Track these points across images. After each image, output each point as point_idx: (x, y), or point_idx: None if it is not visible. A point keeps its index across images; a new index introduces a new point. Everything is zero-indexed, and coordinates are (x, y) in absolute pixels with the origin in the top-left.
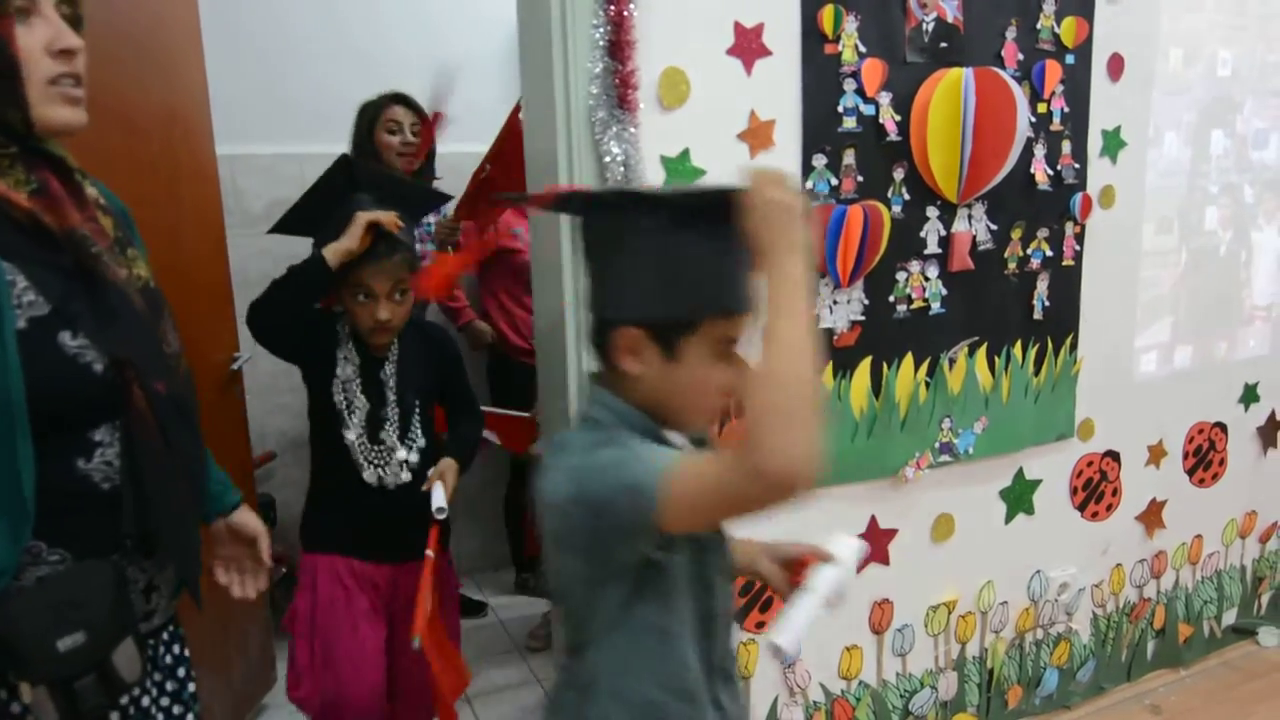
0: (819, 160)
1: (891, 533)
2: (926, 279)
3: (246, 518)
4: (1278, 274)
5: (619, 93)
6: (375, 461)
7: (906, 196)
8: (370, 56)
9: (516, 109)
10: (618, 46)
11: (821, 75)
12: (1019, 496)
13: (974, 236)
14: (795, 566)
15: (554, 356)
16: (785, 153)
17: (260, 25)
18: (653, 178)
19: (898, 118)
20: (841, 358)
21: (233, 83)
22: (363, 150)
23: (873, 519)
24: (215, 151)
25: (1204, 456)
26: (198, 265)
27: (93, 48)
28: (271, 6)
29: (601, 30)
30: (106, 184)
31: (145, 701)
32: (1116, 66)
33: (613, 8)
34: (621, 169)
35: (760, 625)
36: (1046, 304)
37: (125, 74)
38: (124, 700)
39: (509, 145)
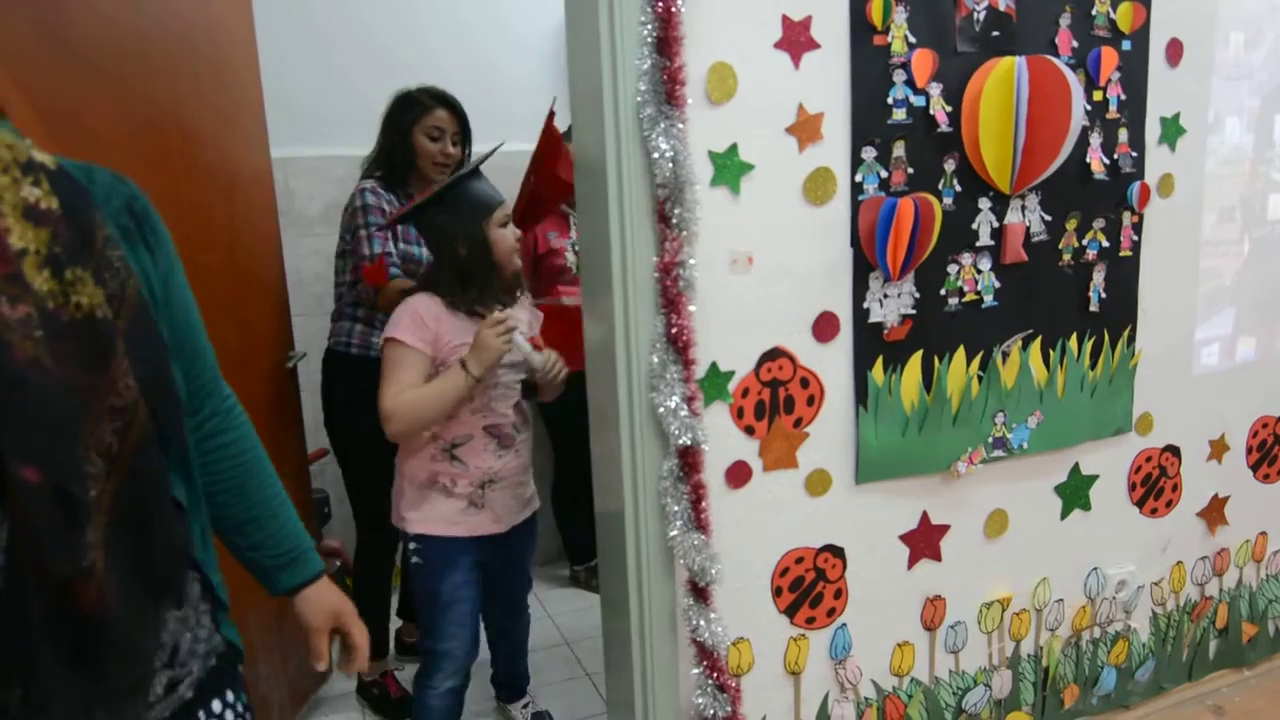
0: (868, 153)
1: (944, 528)
2: (979, 271)
3: (308, 609)
4: None
5: (667, 88)
6: None
7: (958, 188)
8: (416, 56)
9: (550, 116)
10: (666, 42)
11: (871, 67)
12: (1075, 492)
13: (1027, 228)
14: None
15: (604, 373)
16: (834, 145)
17: (309, 26)
18: (701, 172)
19: (949, 108)
20: (892, 351)
21: (283, 84)
22: (394, 150)
23: (924, 514)
24: (270, 155)
25: (1268, 451)
26: (254, 268)
27: (150, 53)
28: (321, 7)
29: (650, 26)
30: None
31: None
32: (1175, 52)
33: (660, 4)
34: (670, 165)
35: (810, 621)
36: (1103, 296)
37: (182, 79)
38: None
39: (547, 153)
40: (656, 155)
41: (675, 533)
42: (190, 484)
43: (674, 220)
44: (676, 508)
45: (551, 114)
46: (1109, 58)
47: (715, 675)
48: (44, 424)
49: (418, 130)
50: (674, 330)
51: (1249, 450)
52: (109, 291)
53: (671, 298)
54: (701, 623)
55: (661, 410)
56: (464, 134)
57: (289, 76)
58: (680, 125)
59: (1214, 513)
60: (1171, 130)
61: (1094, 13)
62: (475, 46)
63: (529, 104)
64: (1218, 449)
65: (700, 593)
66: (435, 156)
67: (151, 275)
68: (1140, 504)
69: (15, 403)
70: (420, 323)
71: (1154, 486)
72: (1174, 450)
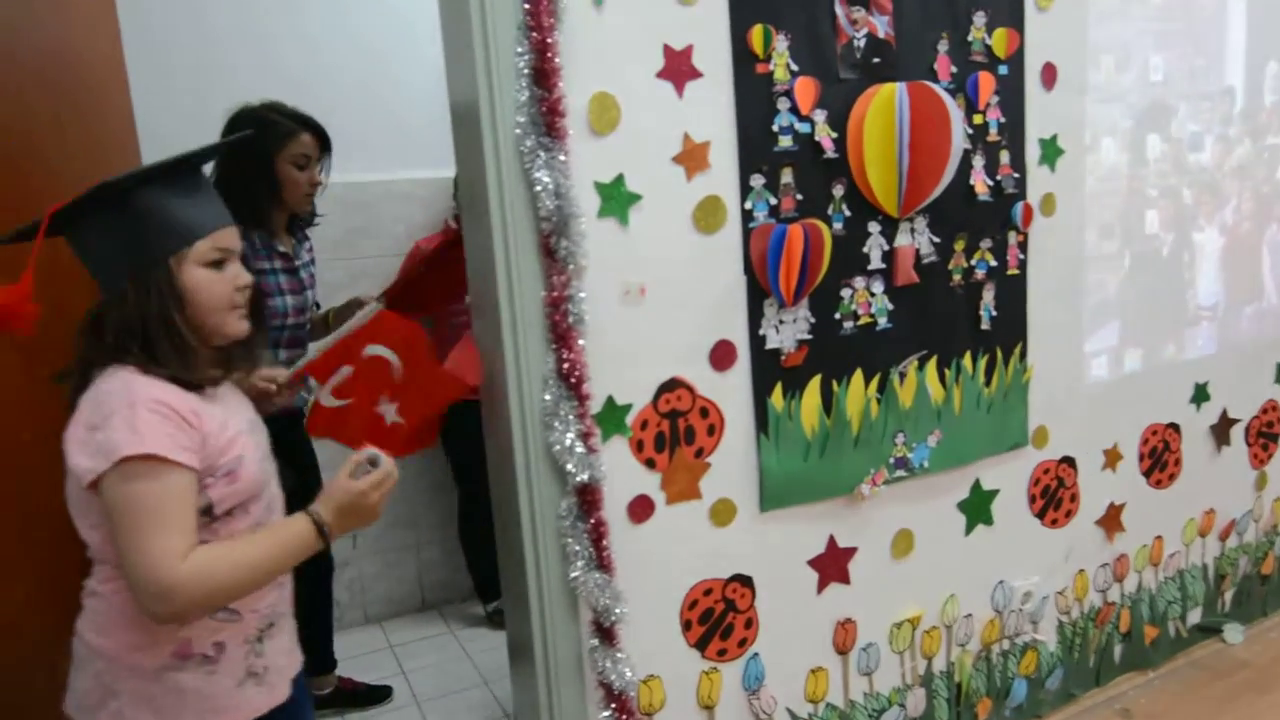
0: (757, 180)
1: (851, 551)
2: (872, 294)
3: None
4: (1220, 273)
5: (546, 120)
6: None
7: (847, 213)
8: (299, 77)
9: (457, 220)
10: (543, 74)
11: (754, 95)
12: (977, 508)
13: (917, 250)
14: None
15: (497, 412)
16: (722, 174)
17: (185, 49)
18: (588, 204)
19: (834, 135)
20: (791, 377)
21: (157, 111)
22: (254, 183)
23: (831, 538)
24: None
25: (1159, 458)
26: None
27: (17, 96)
28: (196, 30)
29: (526, 58)
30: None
31: None
32: (1050, 75)
33: (536, 35)
34: (553, 197)
35: (722, 653)
36: (994, 314)
37: (47, 116)
38: None
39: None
40: (539, 188)
41: (577, 573)
42: None
43: (560, 253)
44: (577, 547)
45: (458, 219)
46: (986, 82)
47: (624, 717)
48: None
49: (282, 159)
50: (566, 366)
51: (1141, 457)
52: None
53: (562, 333)
54: (608, 664)
55: (557, 448)
56: (326, 156)
57: (164, 102)
58: (562, 157)
59: (1111, 520)
60: (1050, 151)
61: (971, 39)
62: (366, 65)
63: (421, 126)
64: (1111, 458)
65: (606, 633)
66: (304, 187)
67: None
68: (1041, 515)
69: None
70: (178, 420)
71: (1053, 498)
72: (1070, 461)
